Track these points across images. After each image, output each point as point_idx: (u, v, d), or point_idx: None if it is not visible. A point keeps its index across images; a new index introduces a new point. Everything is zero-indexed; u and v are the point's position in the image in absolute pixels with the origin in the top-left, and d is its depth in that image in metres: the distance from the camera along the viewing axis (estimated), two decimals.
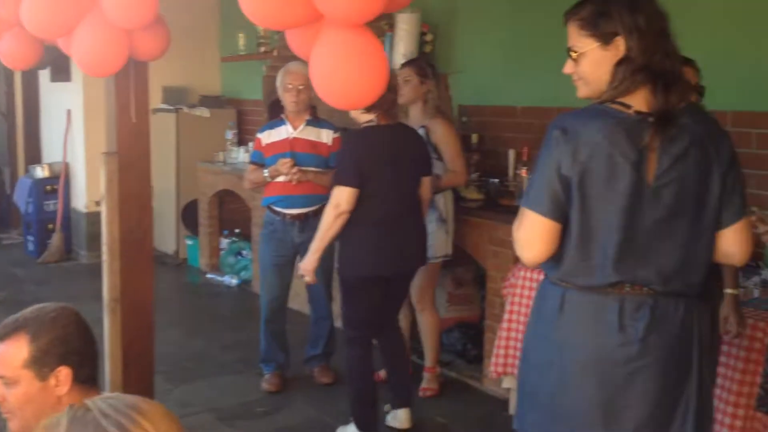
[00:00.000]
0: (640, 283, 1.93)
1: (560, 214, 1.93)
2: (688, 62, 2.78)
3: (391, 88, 3.42)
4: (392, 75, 3.78)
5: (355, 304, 3.50)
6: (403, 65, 4.35)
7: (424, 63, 4.31)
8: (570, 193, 1.91)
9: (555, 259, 1.98)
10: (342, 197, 3.35)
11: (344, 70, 1.87)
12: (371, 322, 3.53)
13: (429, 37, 5.34)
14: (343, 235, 3.40)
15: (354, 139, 3.50)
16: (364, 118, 3.48)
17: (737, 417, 2.88)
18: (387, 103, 3.41)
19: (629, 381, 1.94)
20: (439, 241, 4.11)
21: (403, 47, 5.15)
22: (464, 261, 4.77)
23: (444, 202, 4.14)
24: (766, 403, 2.49)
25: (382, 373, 3.98)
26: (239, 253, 6.64)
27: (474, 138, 4.97)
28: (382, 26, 5.30)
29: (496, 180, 4.70)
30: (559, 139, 1.90)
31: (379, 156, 3.42)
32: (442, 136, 4.06)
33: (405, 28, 5.15)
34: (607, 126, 1.88)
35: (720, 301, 2.75)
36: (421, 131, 3.95)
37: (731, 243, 1.99)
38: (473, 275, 4.96)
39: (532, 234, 1.96)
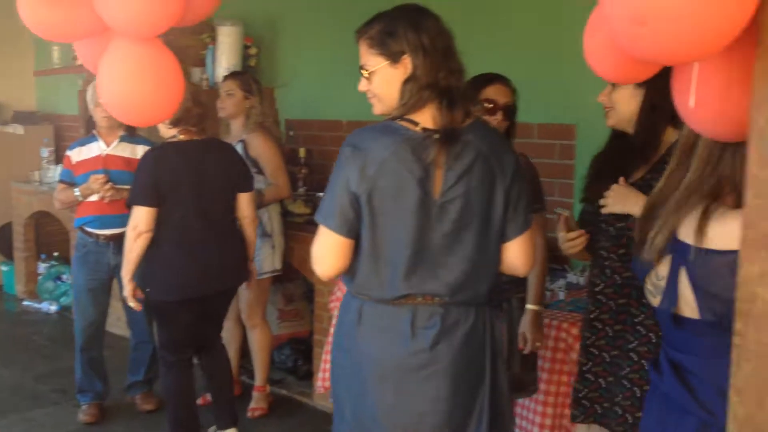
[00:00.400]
0: (429, 295, 1.98)
1: (350, 230, 1.95)
2: (501, 80, 2.77)
3: (197, 102, 3.33)
4: (197, 89, 3.68)
5: (168, 327, 3.37)
6: (226, 77, 4.26)
7: (249, 77, 4.22)
8: (360, 209, 1.93)
9: (350, 272, 2.00)
10: (139, 218, 3.21)
11: (129, 85, 1.78)
12: (188, 344, 3.40)
13: (253, 51, 5.28)
14: (146, 255, 3.26)
15: (149, 156, 3.34)
16: (168, 134, 3.35)
17: (546, 415, 3.02)
18: (193, 117, 3.31)
19: (423, 387, 1.98)
20: (264, 257, 4.05)
21: (226, 60, 5.07)
22: (294, 276, 4.73)
23: (268, 216, 4.08)
24: (584, 412, 2.49)
25: (208, 396, 3.85)
26: (59, 278, 6.26)
27: (301, 152, 4.95)
28: (204, 39, 5.19)
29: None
30: (350, 156, 1.93)
31: (177, 173, 3.28)
32: (260, 149, 3.99)
33: (227, 42, 5.07)
34: (395, 143, 1.91)
35: (521, 314, 2.84)
36: (238, 146, 3.87)
37: (515, 255, 2.07)
38: (303, 290, 4.93)
39: (324, 249, 1.98)
